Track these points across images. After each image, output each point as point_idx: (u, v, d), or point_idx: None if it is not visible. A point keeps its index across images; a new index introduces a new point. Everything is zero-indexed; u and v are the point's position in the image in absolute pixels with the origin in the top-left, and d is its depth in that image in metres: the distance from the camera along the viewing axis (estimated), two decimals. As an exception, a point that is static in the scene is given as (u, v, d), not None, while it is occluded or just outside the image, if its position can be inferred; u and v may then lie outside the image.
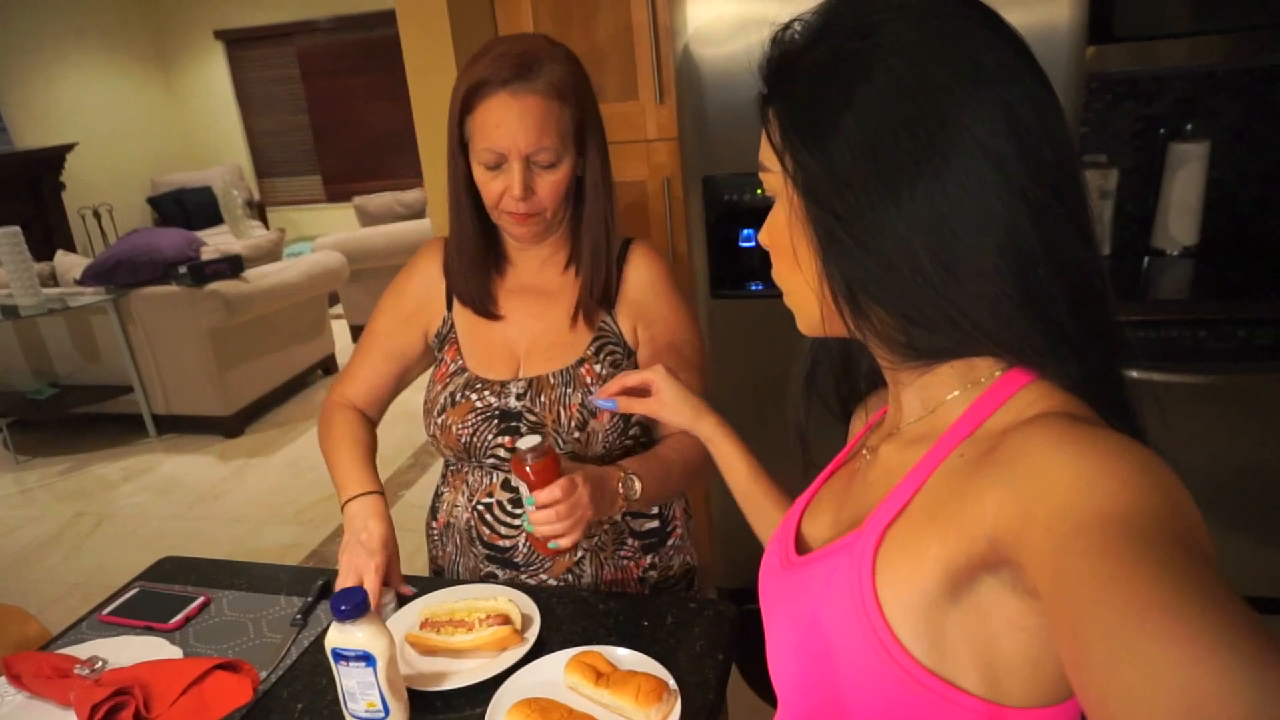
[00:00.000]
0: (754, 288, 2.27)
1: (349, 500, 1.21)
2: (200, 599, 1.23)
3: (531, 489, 1.01)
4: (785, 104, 0.60)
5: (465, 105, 1.10)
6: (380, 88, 7.52)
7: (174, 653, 1.10)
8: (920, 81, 0.54)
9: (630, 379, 1.06)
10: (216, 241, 5.13)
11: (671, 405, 1.03)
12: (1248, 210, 2.34)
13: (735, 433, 1.03)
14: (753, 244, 2.24)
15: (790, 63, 0.60)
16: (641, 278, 1.25)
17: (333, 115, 7.82)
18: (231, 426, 4.30)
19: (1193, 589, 0.37)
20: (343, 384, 1.33)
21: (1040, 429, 0.52)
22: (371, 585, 1.13)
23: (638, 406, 1.05)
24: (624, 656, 1.02)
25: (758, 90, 0.64)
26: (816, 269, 0.61)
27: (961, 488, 0.55)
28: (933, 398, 0.65)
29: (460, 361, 1.24)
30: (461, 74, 1.11)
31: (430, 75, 2.10)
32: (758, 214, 2.19)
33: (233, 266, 4.19)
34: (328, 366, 5.11)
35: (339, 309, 5.75)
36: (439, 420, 1.22)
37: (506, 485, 1.23)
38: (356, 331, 5.75)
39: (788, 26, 0.62)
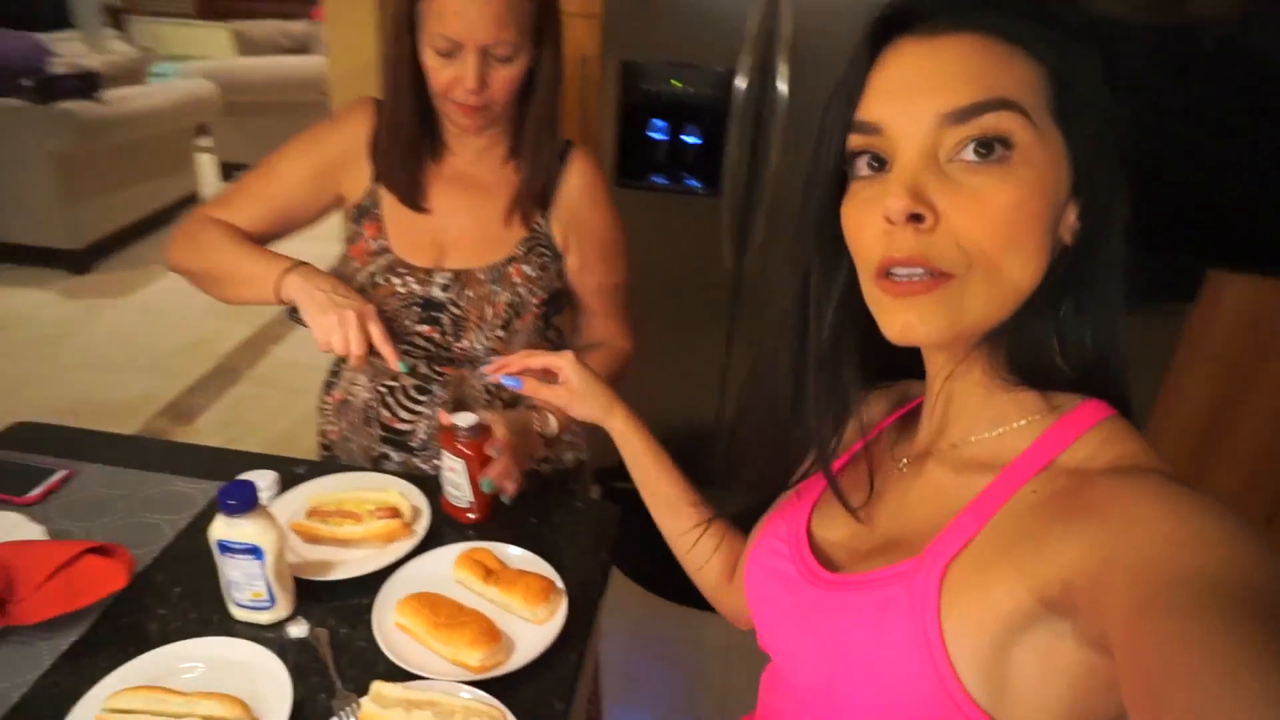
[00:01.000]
0: (658, 180, 2.24)
1: (287, 271, 1.11)
2: (63, 472, 1.16)
3: (467, 461, 1.06)
4: (1073, 54, 0.52)
5: None
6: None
7: (34, 530, 1.04)
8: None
9: (535, 360, 0.97)
10: (67, 50, 4.59)
11: (582, 397, 0.95)
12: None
13: (644, 425, 0.95)
14: (662, 136, 2.20)
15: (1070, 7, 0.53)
16: (580, 185, 1.23)
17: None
18: (79, 261, 3.97)
19: (1277, 651, 0.37)
20: (219, 211, 1.21)
21: (1139, 483, 0.50)
22: (379, 335, 1.07)
23: (545, 393, 0.96)
24: (513, 555, 1.04)
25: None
26: (1049, 254, 0.54)
27: (1038, 528, 0.52)
28: (1002, 419, 0.60)
29: (383, 241, 1.19)
30: None
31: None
32: (673, 106, 2.14)
33: (88, 84, 3.78)
34: (191, 204, 4.75)
35: (208, 141, 5.31)
36: None
37: (414, 371, 1.21)
38: (227, 169, 5.35)
39: None
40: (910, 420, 0.70)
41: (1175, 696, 0.38)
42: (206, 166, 5.12)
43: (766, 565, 0.73)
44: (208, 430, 2.88)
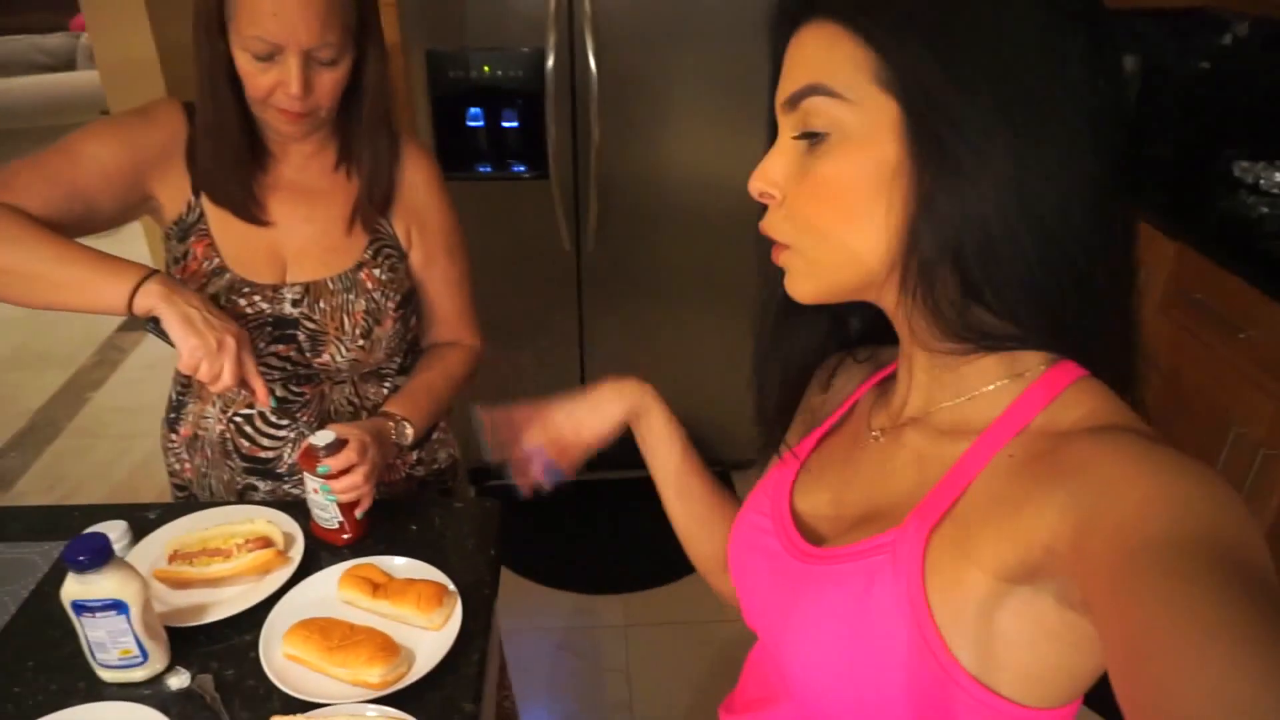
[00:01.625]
0: (482, 169, 2.22)
1: (144, 279, 0.95)
2: None
3: (328, 479, 1.02)
4: (912, 21, 0.51)
5: None
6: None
7: None
8: (1052, 21, 0.49)
9: (518, 416, 0.90)
10: None
11: (601, 410, 0.89)
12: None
13: (660, 397, 0.89)
14: (481, 124, 2.18)
15: None
16: (417, 180, 1.20)
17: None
18: None
19: (1260, 615, 0.38)
20: (7, 191, 0.99)
21: (1113, 443, 0.49)
22: (252, 367, 0.99)
23: (576, 453, 0.89)
24: (399, 565, 1.03)
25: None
26: (900, 223, 0.53)
27: (1017, 491, 0.52)
28: (968, 386, 0.59)
29: (216, 260, 1.11)
30: None
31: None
32: (484, 93, 2.12)
33: None
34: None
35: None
36: None
37: (271, 395, 1.15)
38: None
39: None
40: (886, 389, 0.70)
41: (1152, 661, 0.39)
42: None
43: (749, 541, 0.73)
44: (32, 494, 2.63)
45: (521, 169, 2.20)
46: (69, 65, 5.01)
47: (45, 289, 0.97)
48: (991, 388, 0.58)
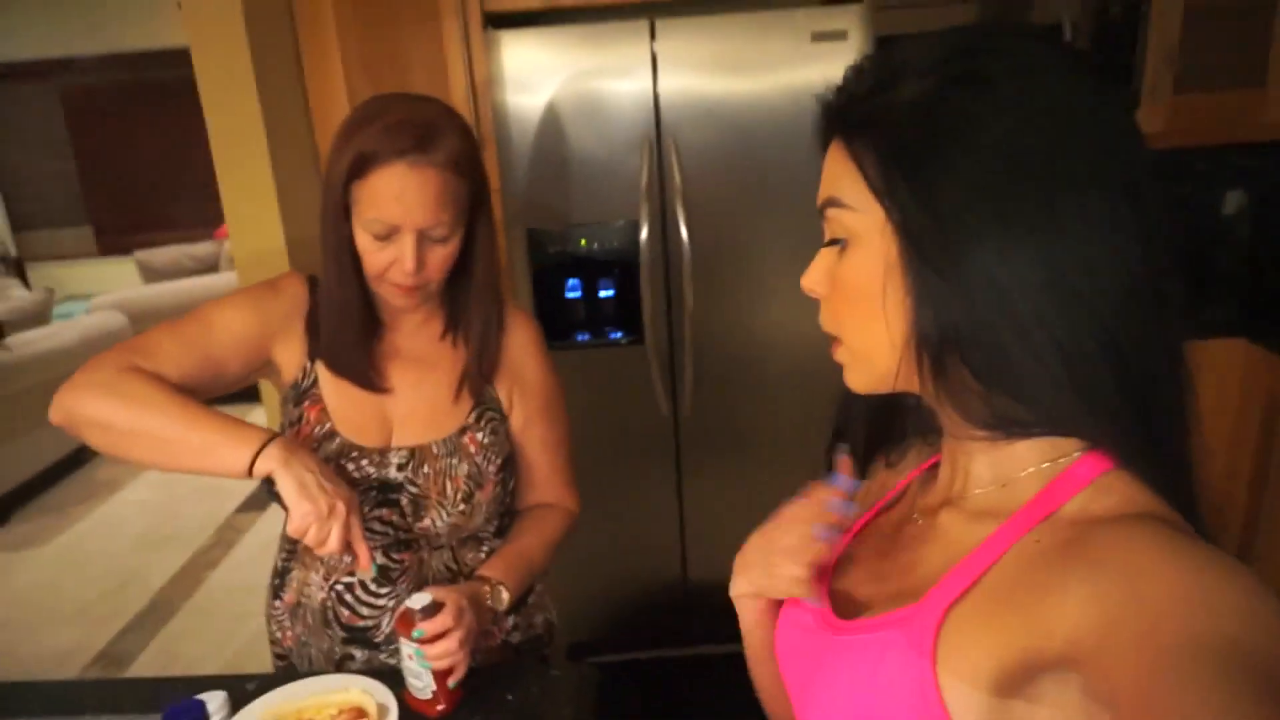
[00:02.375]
0: (580, 338, 2.28)
1: (266, 443, 0.98)
2: (-17, 732, 1.06)
3: (423, 644, 1.00)
4: (885, 140, 0.55)
5: (355, 171, 1.03)
6: (159, 132, 6.95)
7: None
8: (1045, 135, 0.52)
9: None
10: (-34, 306, 4.54)
11: None
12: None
13: None
14: (578, 294, 2.26)
15: (886, 94, 0.56)
16: (519, 343, 1.23)
17: (104, 162, 7.15)
18: (-8, 515, 3.77)
19: None
20: (144, 356, 1.05)
21: (1141, 534, 0.49)
22: (358, 532, 1.00)
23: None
24: (494, 737, 0.97)
25: (820, 109, 0.61)
26: (906, 320, 0.56)
27: (1038, 578, 0.52)
28: (1005, 472, 0.61)
29: (328, 425, 1.14)
30: (346, 136, 1.04)
31: (233, 122, 1.97)
32: (582, 265, 2.22)
33: (-11, 334, 3.72)
34: (109, 439, 4.60)
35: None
36: None
37: (373, 563, 1.15)
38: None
39: (874, 61, 0.59)
40: (934, 474, 0.71)
41: None
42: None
43: (790, 616, 0.74)
44: (147, 673, 2.67)
45: (618, 335, 2.25)
46: (213, 268, 5.56)
47: (176, 452, 1.00)
48: (1025, 473, 0.59)
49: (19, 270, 7.25)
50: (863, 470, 0.78)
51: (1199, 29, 2.15)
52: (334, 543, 0.97)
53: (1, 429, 3.79)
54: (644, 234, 2.10)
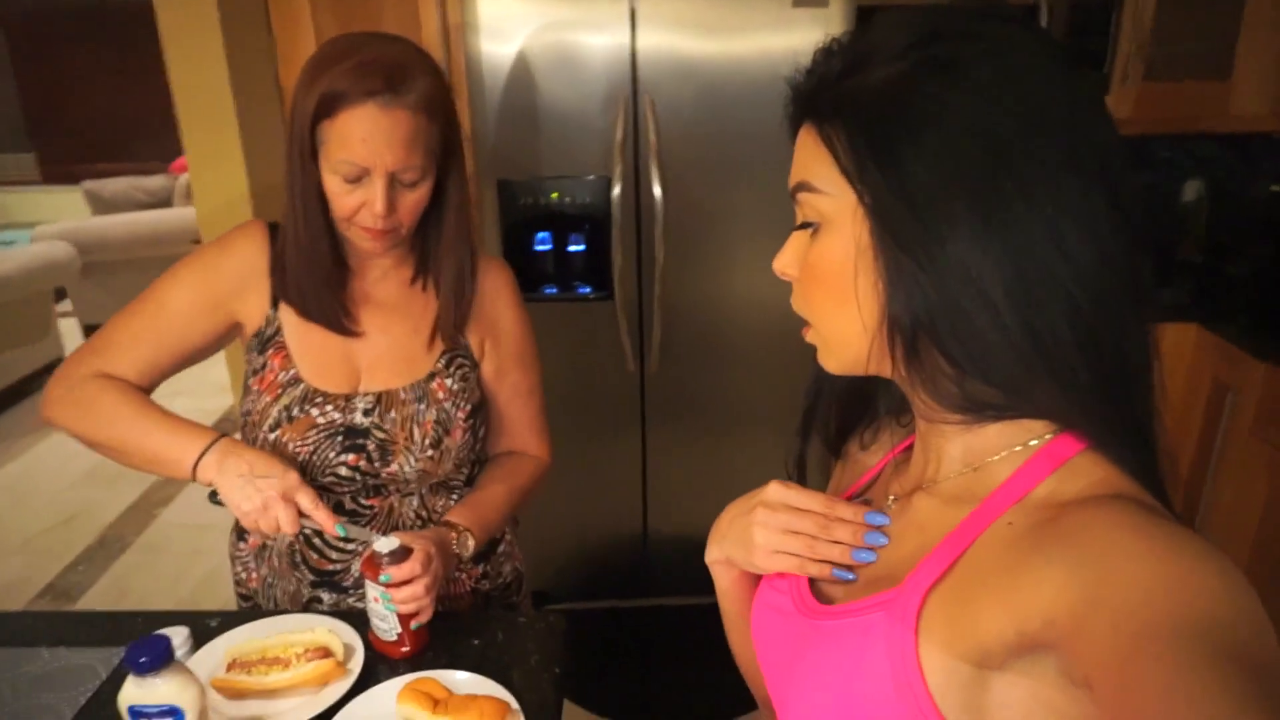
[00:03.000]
0: (548, 291, 2.28)
1: (202, 453, 1.05)
2: (-65, 660, 1.04)
3: (389, 588, 1.01)
4: (856, 123, 0.55)
5: (321, 110, 1.00)
6: (110, 62, 6.70)
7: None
8: (1017, 118, 0.52)
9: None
10: (-97, 227, 4.35)
11: None
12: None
13: None
14: (548, 247, 2.25)
15: (856, 77, 0.56)
16: (493, 294, 1.23)
17: (49, 89, 6.87)
18: (-70, 445, 3.67)
19: (1270, 713, 0.38)
20: (102, 358, 1.11)
21: (1114, 513, 0.50)
22: (309, 503, 1.04)
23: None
24: (460, 680, 0.99)
25: (791, 92, 0.61)
26: (878, 304, 0.56)
27: (1015, 559, 0.52)
28: (976, 456, 0.61)
29: (293, 371, 1.13)
30: (313, 74, 1.01)
31: (193, 53, 1.90)
32: (552, 218, 2.20)
33: (-72, 258, 3.58)
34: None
35: (67, 305, 5.07)
36: (271, 437, 1.11)
37: (340, 508, 1.16)
38: (89, 332, 5.09)
39: (843, 44, 0.58)
40: (909, 457, 0.71)
41: None
42: (69, 331, 4.87)
43: (766, 600, 0.74)
44: (98, 607, 2.64)
45: (587, 290, 2.25)
46: (166, 203, 5.39)
47: (133, 460, 1.10)
48: (997, 457, 0.60)
49: (-42, 195, 6.98)
50: (836, 451, 0.80)
51: (1172, 17, 2.18)
52: (285, 525, 1.03)
53: (-59, 357, 3.67)
54: (616, 190, 2.08)
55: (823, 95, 0.58)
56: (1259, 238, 2.51)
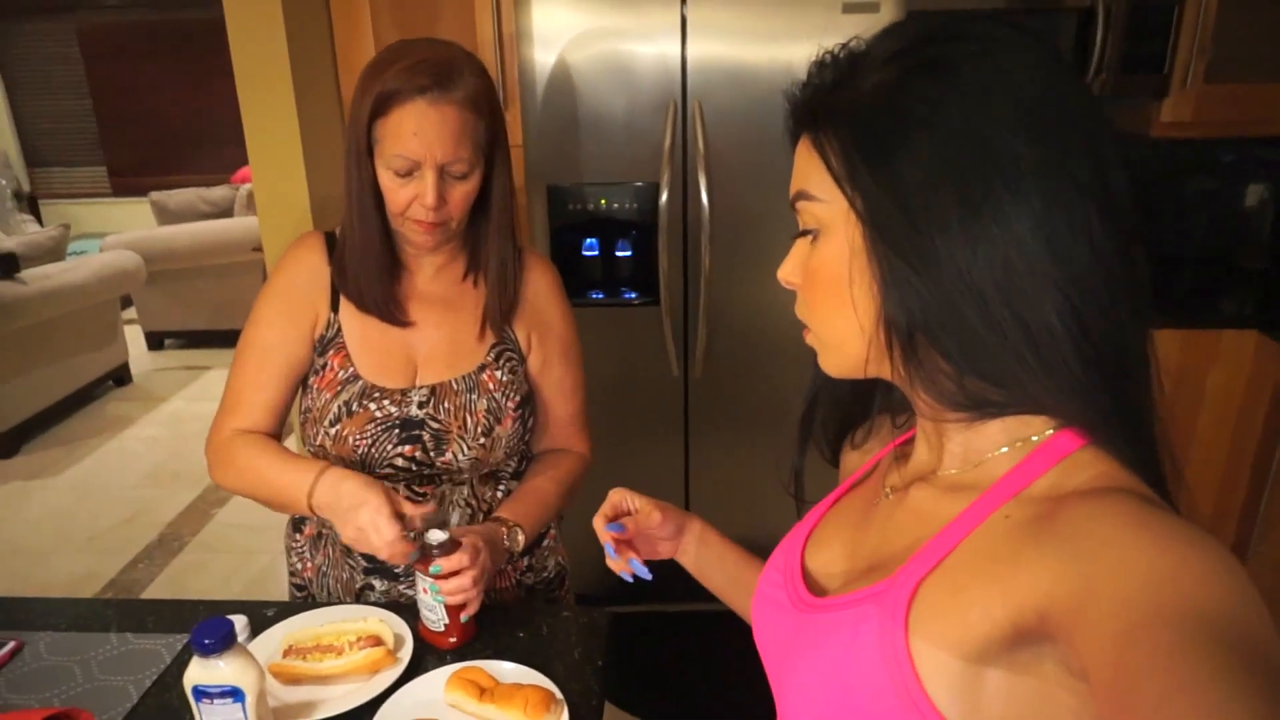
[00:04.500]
0: (595, 296, 2.30)
1: (310, 493, 1.08)
2: (10, 644, 1.10)
3: (438, 579, 1.03)
4: (850, 131, 0.56)
5: (377, 109, 1.06)
6: (176, 76, 6.91)
7: (-12, 705, 0.97)
8: (1008, 119, 0.53)
9: (601, 521, 0.92)
10: (-18, 237, 4.55)
11: (664, 508, 0.92)
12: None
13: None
14: (595, 253, 2.28)
15: (849, 86, 0.57)
16: (538, 288, 1.26)
17: (120, 102, 7.12)
18: (4, 445, 3.82)
19: (1265, 703, 0.38)
20: (234, 416, 1.19)
21: (1110, 506, 0.50)
22: (396, 509, 1.04)
23: (644, 524, 0.90)
24: (506, 670, 1.01)
25: (788, 106, 0.62)
26: (874, 306, 0.57)
27: (1010, 551, 0.53)
28: (977, 451, 0.61)
29: (351, 369, 1.18)
30: (369, 77, 1.08)
31: (260, 67, 1.97)
32: (600, 224, 2.23)
33: (4, 266, 3.73)
34: (120, 377, 4.65)
35: (132, 313, 5.25)
36: (331, 431, 1.16)
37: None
38: (152, 339, 5.27)
39: (835, 54, 0.60)
40: (907, 451, 0.72)
41: None
42: (134, 338, 5.04)
43: (764, 594, 0.75)
44: (154, 603, 2.73)
45: (633, 296, 2.27)
46: (228, 213, 5.54)
47: (276, 506, 1.15)
48: (998, 452, 0.60)
49: (32, 207, 7.27)
50: (834, 455, 0.82)
51: (1233, 18, 2.13)
52: (394, 550, 1.03)
53: (15, 361, 3.83)
54: (664, 197, 2.10)
55: (816, 105, 0.60)
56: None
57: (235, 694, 0.85)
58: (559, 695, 0.96)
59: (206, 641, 0.84)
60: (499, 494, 1.25)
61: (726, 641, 2.33)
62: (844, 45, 0.60)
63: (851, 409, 0.78)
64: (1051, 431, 0.58)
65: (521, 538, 1.16)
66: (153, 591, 2.80)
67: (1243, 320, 2.15)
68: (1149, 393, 0.57)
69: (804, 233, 0.63)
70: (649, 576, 0.89)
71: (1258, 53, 2.17)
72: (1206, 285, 2.45)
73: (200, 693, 0.86)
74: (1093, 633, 0.44)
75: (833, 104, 0.58)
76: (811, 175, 0.60)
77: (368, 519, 1.02)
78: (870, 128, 0.55)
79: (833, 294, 0.60)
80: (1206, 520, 2.22)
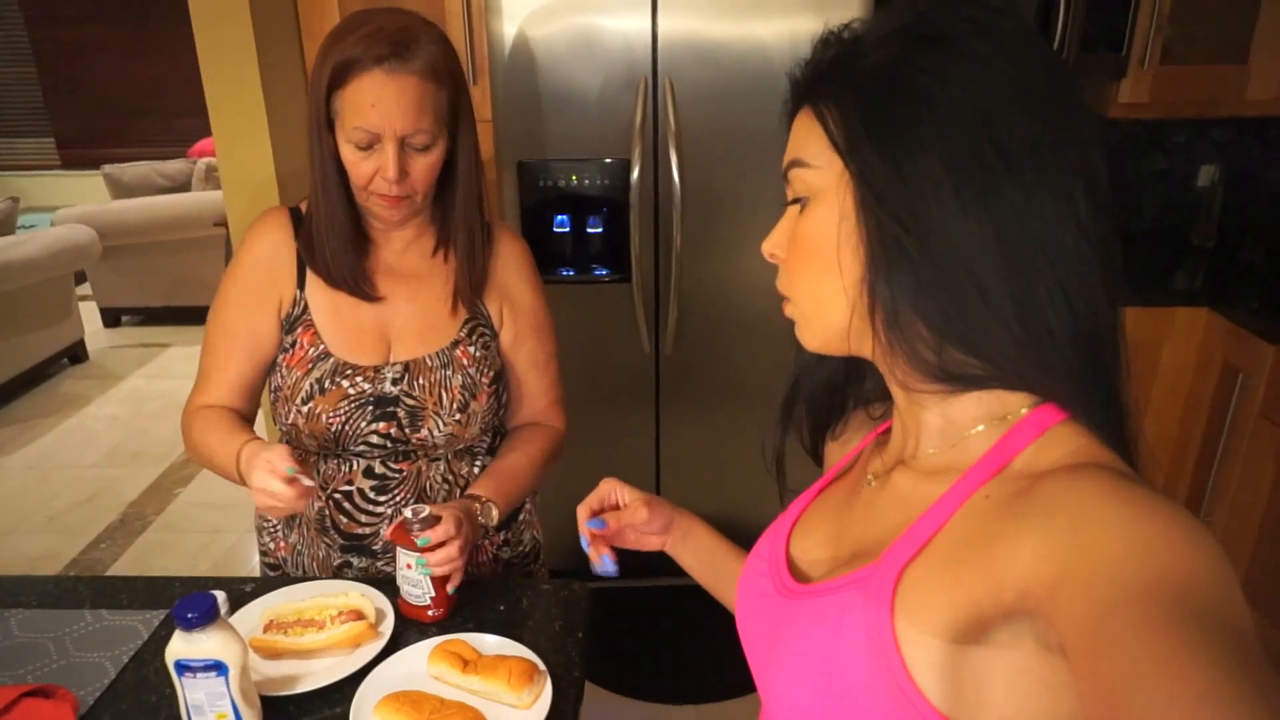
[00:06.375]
0: (566, 273, 2.30)
1: (237, 460, 1.08)
2: (-18, 621, 1.09)
3: (425, 551, 1.04)
4: (852, 100, 0.57)
5: (335, 80, 1.04)
6: (127, 42, 6.70)
7: (-37, 683, 0.96)
8: (1006, 93, 0.54)
9: (594, 503, 0.94)
10: (-74, 210, 4.40)
11: (650, 502, 0.93)
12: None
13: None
14: (566, 229, 2.27)
15: (852, 61, 0.58)
16: (508, 262, 1.26)
17: (67, 69, 6.89)
18: (-45, 425, 3.73)
19: (1242, 676, 0.39)
20: (201, 393, 1.20)
21: (1087, 481, 0.50)
22: (284, 460, 1.01)
23: (628, 518, 0.92)
24: (489, 642, 1.02)
25: (790, 84, 0.63)
26: (861, 277, 0.58)
27: (990, 530, 0.53)
28: (955, 430, 0.62)
29: (322, 346, 1.17)
30: (327, 47, 1.06)
31: (224, 39, 1.94)
32: (571, 200, 2.22)
33: (-47, 240, 3.62)
34: (76, 354, 4.55)
35: (86, 288, 5.13)
36: (304, 409, 1.15)
37: (369, 473, 1.19)
38: (109, 315, 5.16)
39: (839, 32, 0.61)
40: (887, 439, 0.72)
41: (1129, 717, 0.40)
42: (89, 314, 4.93)
43: (748, 583, 0.75)
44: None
45: (604, 272, 2.27)
46: (185, 187, 5.42)
47: (226, 478, 1.15)
48: (975, 431, 0.60)
49: (-22, 178, 7.03)
50: (815, 451, 0.82)
51: (1190, 0, 2.18)
52: (291, 501, 1.01)
53: (-35, 338, 3.73)
54: (635, 173, 2.10)
55: (819, 80, 0.61)
56: (1273, 222, 2.51)
57: (219, 667, 0.86)
58: (542, 666, 0.98)
59: (190, 615, 0.84)
60: (475, 469, 1.26)
61: (702, 615, 2.37)
62: (847, 25, 0.61)
63: (827, 403, 0.78)
64: (1027, 410, 0.59)
65: (496, 513, 1.17)
66: (117, 571, 2.77)
67: (1193, 295, 2.22)
68: (1121, 370, 0.58)
69: (794, 202, 0.64)
70: (616, 574, 0.91)
71: (1209, 35, 2.22)
72: (1160, 261, 2.52)
73: (183, 666, 0.86)
74: (1070, 607, 0.45)
75: (836, 77, 0.59)
76: (809, 143, 0.61)
77: (260, 481, 1.01)
78: (872, 96, 0.56)
79: (818, 259, 0.61)
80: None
